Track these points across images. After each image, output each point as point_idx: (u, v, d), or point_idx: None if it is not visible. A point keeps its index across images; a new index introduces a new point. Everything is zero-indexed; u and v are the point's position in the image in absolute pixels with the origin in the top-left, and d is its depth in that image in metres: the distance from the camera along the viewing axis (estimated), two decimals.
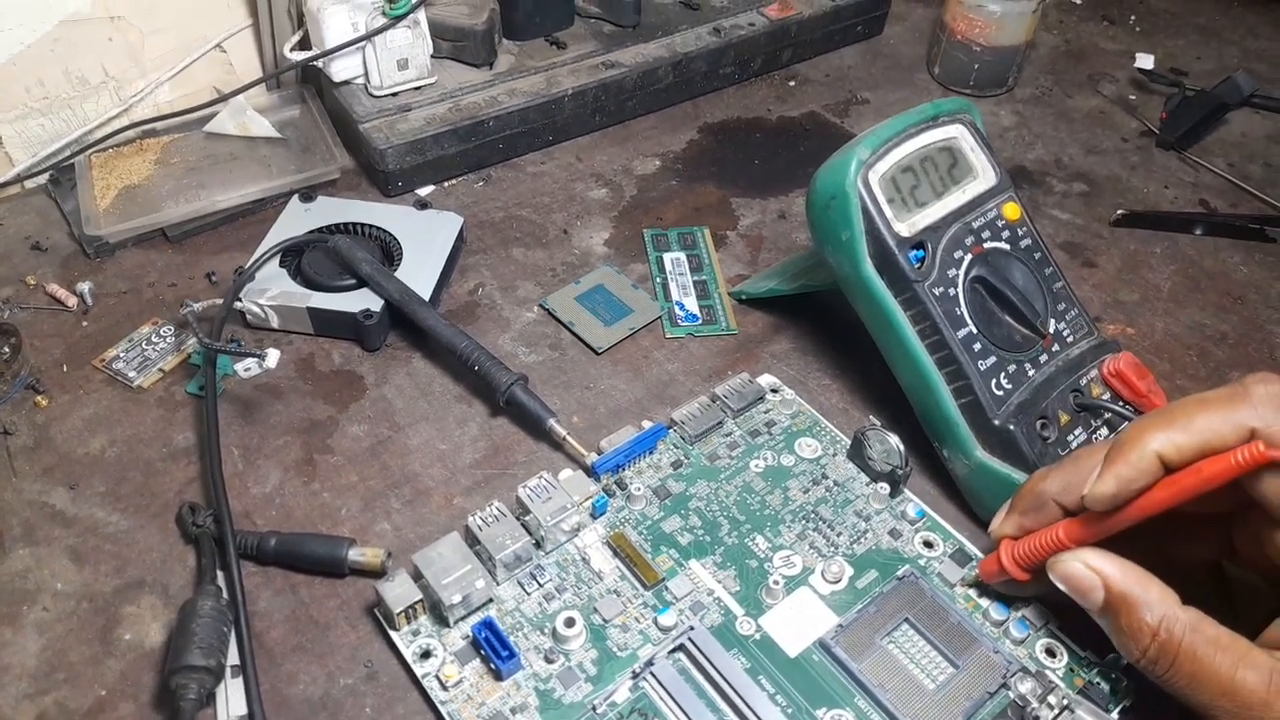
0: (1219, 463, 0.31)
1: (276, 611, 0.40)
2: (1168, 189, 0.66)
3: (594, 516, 0.42)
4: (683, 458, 0.45)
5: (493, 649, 0.36)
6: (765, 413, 0.47)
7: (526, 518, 0.40)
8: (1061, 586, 0.35)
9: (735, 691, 0.36)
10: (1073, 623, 0.39)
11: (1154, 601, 0.32)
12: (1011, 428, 0.41)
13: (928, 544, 0.42)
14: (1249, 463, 0.30)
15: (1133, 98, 0.75)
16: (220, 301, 0.49)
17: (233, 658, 0.37)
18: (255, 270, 0.51)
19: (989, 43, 0.70)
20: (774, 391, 0.48)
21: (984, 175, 0.45)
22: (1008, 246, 0.44)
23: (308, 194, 0.57)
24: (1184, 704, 0.32)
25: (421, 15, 0.60)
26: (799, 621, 0.39)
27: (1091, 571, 0.33)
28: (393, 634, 0.38)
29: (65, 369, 0.49)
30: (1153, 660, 0.32)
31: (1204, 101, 0.68)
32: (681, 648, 0.38)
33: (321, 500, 0.44)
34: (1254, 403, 0.31)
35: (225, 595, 0.39)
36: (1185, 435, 0.32)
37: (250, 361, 0.49)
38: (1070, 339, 0.44)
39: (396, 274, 0.51)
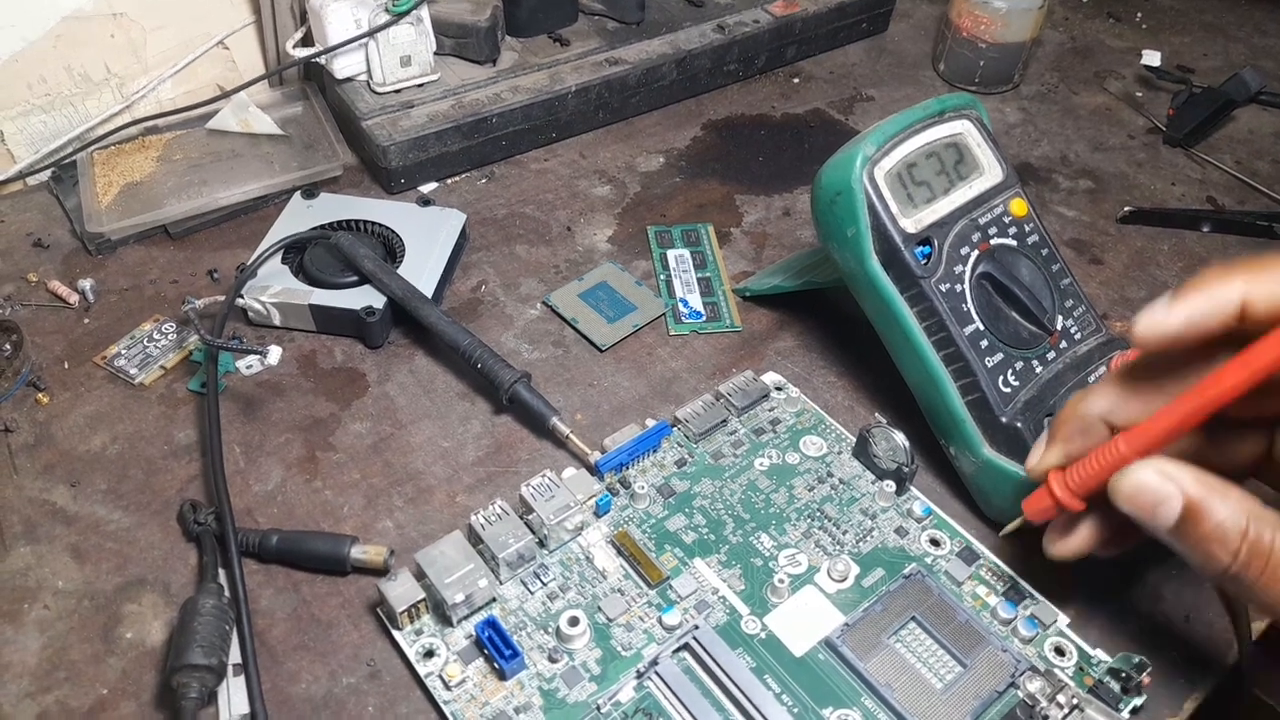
0: None
1: (278, 610, 0.40)
2: (1175, 186, 0.65)
3: (597, 515, 0.42)
4: (687, 456, 0.45)
5: (496, 648, 0.36)
6: (770, 410, 0.47)
7: (530, 516, 0.40)
8: (1127, 507, 0.31)
9: (741, 691, 0.36)
10: (1083, 621, 0.39)
11: (1236, 503, 0.30)
12: (1019, 425, 0.41)
13: (934, 542, 0.41)
14: None
15: (1139, 94, 0.74)
16: (222, 298, 0.49)
17: (234, 656, 0.37)
18: (257, 267, 0.51)
19: (995, 40, 0.69)
20: (778, 389, 0.48)
21: (990, 171, 0.45)
22: (1015, 243, 0.44)
23: (310, 191, 0.56)
24: (1276, 615, 0.30)
25: (424, 12, 0.60)
26: (805, 620, 0.38)
27: (1166, 478, 0.30)
28: (395, 633, 0.38)
29: (66, 366, 0.49)
30: (1245, 564, 0.29)
31: (1211, 98, 0.68)
32: (686, 647, 0.38)
33: (324, 498, 0.44)
34: None
35: (227, 593, 0.38)
36: (1276, 283, 0.28)
37: (252, 359, 0.49)
38: (1078, 336, 0.44)
39: (399, 271, 0.51)
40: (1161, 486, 0.30)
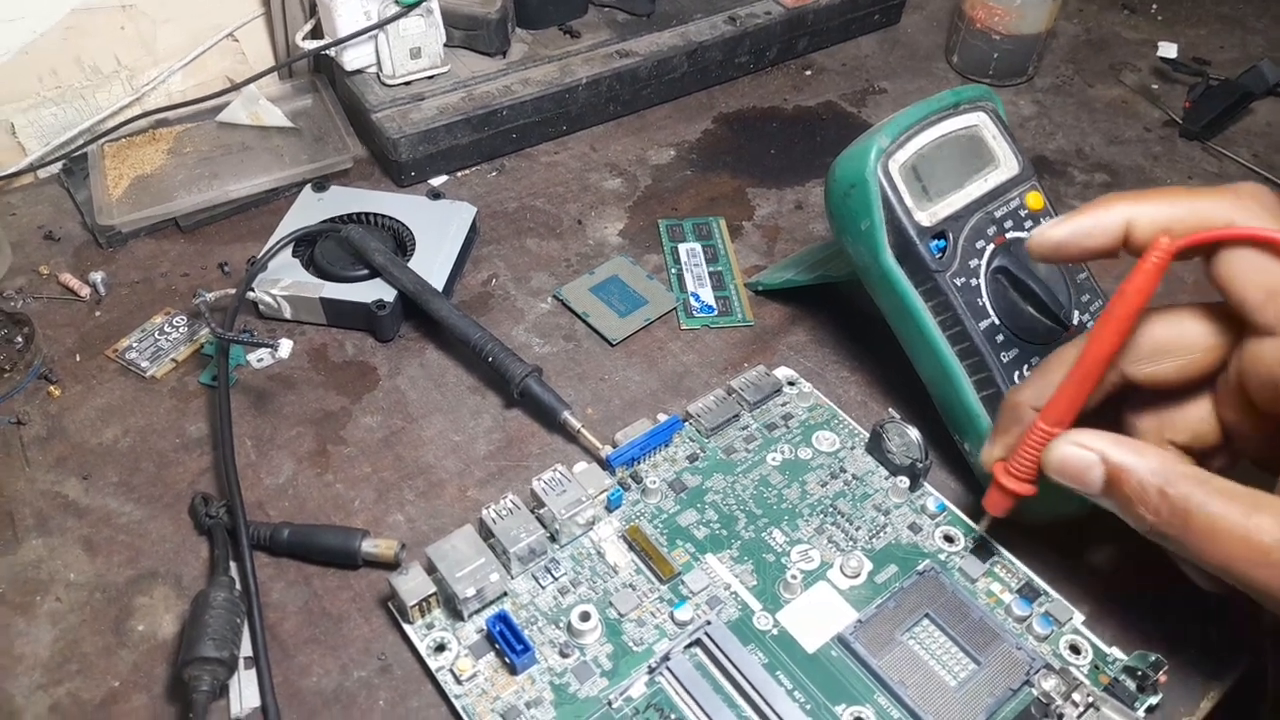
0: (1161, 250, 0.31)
1: (290, 603, 0.40)
2: (1191, 179, 0.65)
3: (609, 510, 0.41)
4: (699, 451, 0.44)
5: (507, 643, 0.36)
6: (782, 405, 0.47)
7: (541, 511, 0.40)
8: (1059, 479, 0.33)
9: (753, 687, 0.36)
10: (1098, 619, 0.39)
11: (1154, 463, 0.31)
12: None
13: (948, 538, 0.41)
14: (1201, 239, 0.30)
15: (1155, 87, 0.73)
16: (233, 292, 0.49)
17: (246, 649, 0.37)
18: (268, 260, 0.50)
19: (1009, 31, 0.69)
20: (791, 384, 0.48)
21: (1006, 164, 0.44)
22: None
23: (320, 184, 0.56)
24: (1208, 570, 0.31)
25: (434, 3, 0.60)
26: (817, 617, 0.38)
27: (1085, 449, 0.32)
28: (406, 627, 0.38)
29: (78, 359, 0.49)
30: (1166, 521, 0.30)
31: (1228, 91, 0.67)
32: (698, 642, 0.37)
33: (335, 491, 0.44)
34: (1241, 198, 0.31)
35: (238, 587, 0.38)
36: (1157, 207, 0.31)
37: (263, 352, 0.49)
38: None
39: (409, 264, 0.51)
40: (1082, 455, 0.32)
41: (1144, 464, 0.31)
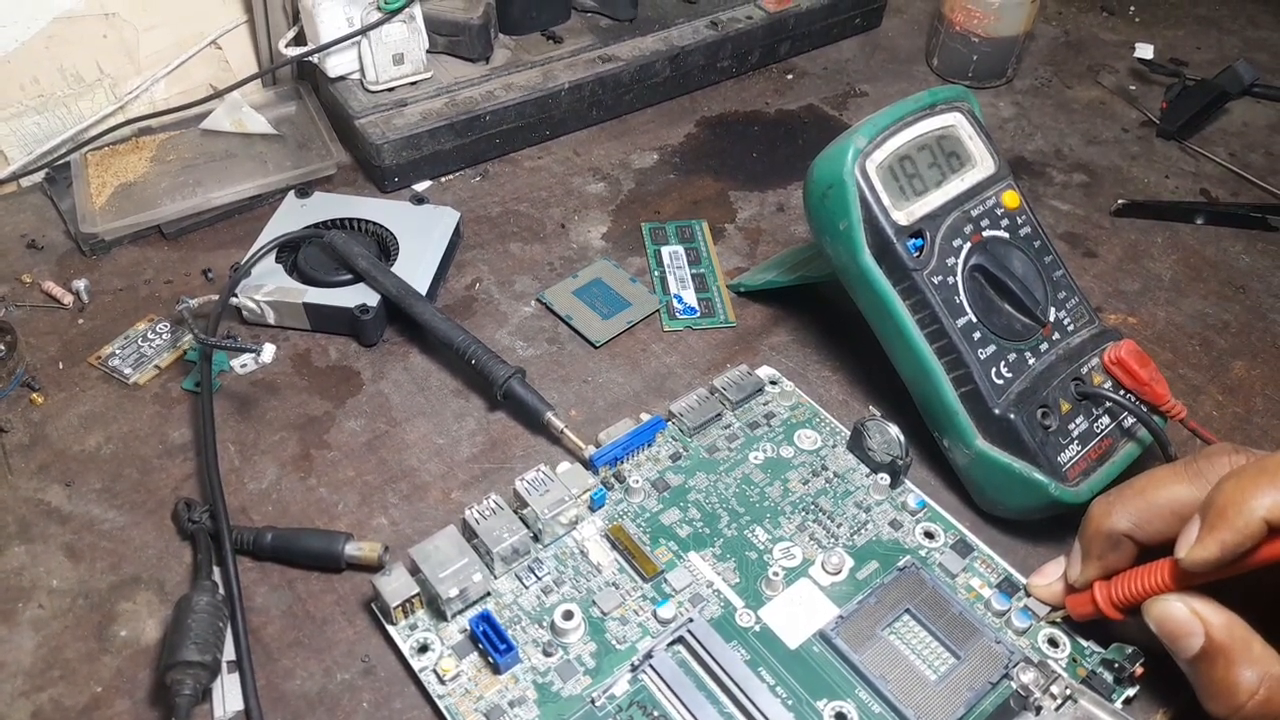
0: None
1: (273, 607, 0.40)
2: (1168, 179, 0.65)
3: (592, 509, 0.42)
4: (681, 450, 0.45)
5: (490, 642, 0.36)
6: (764, 404, 0.47)
7: (524, 511, 0.40)
8: (1154, 628, 0.33)
9: (735, 684, 0.36)
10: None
11: (1256, 658, 0.30)
12: (1012, 417, 0.41)
13: (928, 534, 0.42)
14: None
15: (1133, 88, 0.74)
16: (216, 298, 0.49)
17: (229, 653, 0.37)
18: (251, 266, 0.51)
19: (988, 34, 0.69)
20: (773, 383, 0.48)
21: (982, 163, 0.45)
22: (1007, 235, 0.44)
23: (304, 190, 0.56)
24: None
25: (417, 9, 0.60)
26: (799, 613, 0.38)
27: (1194, 616, 0.32)
28: (390, 628, 0.38)
29: (61, 366, 0.49)
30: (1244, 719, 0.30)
31: (1204, 91, 0.68)
32: (681, 640, 0.38)
33: (318, 495, 0.44)
34: None
35: (221, 591, 0.38)
36: None
37: (246, 357, 0.49)
38: (1071, 327, 0.44)
39: (393, 269, 0.51)
40: (1187, 621, 0.32)
41: (1244, 654, 0.30)
